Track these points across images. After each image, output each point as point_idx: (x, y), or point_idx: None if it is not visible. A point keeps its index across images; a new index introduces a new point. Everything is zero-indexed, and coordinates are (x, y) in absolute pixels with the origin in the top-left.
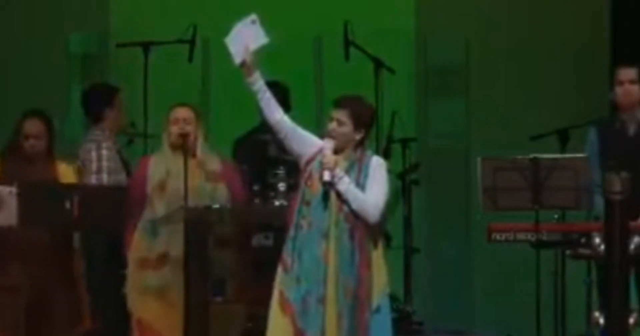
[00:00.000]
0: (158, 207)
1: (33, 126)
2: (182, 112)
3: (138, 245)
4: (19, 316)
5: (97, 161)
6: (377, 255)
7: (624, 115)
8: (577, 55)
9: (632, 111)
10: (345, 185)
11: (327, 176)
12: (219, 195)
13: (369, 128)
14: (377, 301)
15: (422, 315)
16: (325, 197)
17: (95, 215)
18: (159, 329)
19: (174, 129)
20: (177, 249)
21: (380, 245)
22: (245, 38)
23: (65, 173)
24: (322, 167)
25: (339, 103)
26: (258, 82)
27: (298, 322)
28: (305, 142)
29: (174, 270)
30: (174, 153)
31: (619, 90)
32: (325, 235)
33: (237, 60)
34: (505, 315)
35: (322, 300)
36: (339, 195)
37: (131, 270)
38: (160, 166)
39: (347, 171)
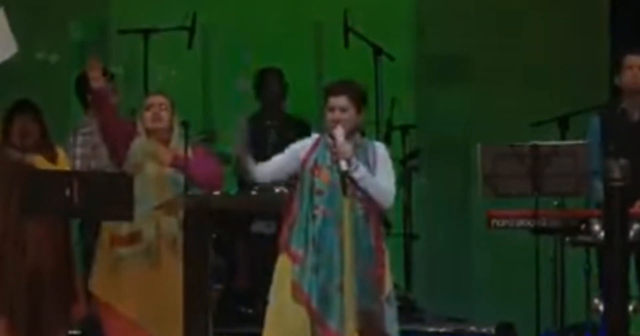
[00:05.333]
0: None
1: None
2: (157, 98)
3: (107, 223)
4: (18, 302)
5: (72, 148)
6: None
7: (627, 102)
8: (578, 42)
9: (635, 97)
10: (362, 172)
11: (344, 165)
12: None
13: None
14: (387, 290)
15: (421, 302)
16: (344, 184)
17: (95, 202)
18: (126, 313)
19: (148, 114)
20: (149, 230)
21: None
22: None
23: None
24: (337, 156)
25: (336, 91)
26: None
27: (316, 309)
28: (293, 158)
29: (147, 252)
30: (148, 139)
31: (627, 74)
32: (342, 222)
33: None
34: (505, 302)
35: (340, 287)
36: (353, 181)
37: (100, 251)
38: (138, 149)
39: (357, 157)
